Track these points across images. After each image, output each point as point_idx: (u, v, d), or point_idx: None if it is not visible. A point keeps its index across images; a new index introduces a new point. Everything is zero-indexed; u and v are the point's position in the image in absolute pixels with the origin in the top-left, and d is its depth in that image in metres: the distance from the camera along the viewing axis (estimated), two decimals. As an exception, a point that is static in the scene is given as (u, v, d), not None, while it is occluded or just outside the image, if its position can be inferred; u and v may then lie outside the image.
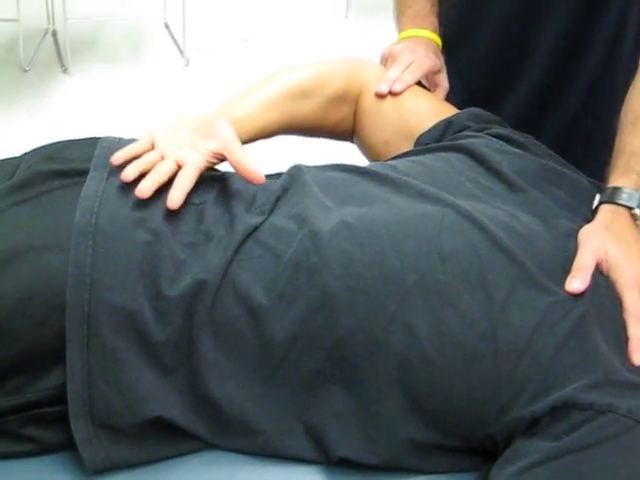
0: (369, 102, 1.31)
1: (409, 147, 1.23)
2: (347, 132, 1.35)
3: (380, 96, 1.28)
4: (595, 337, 0.88)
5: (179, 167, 1.00)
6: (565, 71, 1.38)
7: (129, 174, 0.97)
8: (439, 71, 1.40)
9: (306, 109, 1.26)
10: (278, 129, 1.25)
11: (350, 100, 1.31)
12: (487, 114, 1.25)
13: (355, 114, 1.32)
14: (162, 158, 1.01)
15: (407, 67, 1.32)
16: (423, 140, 1.23)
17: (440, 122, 1.24)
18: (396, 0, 1.49)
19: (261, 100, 1.22)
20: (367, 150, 1.35)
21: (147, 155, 1.01)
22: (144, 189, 0.95)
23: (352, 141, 1.38)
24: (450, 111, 1.27)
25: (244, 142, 1.10)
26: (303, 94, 1.25)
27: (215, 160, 1.03)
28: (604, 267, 0.96)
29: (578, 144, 1.37)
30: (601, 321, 0.90)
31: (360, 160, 1.28)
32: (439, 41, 1.44)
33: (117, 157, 1.00)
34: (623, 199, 1.02)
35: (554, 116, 1.42)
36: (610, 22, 1.32)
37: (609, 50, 1.35)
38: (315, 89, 1.27)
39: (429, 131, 1.23)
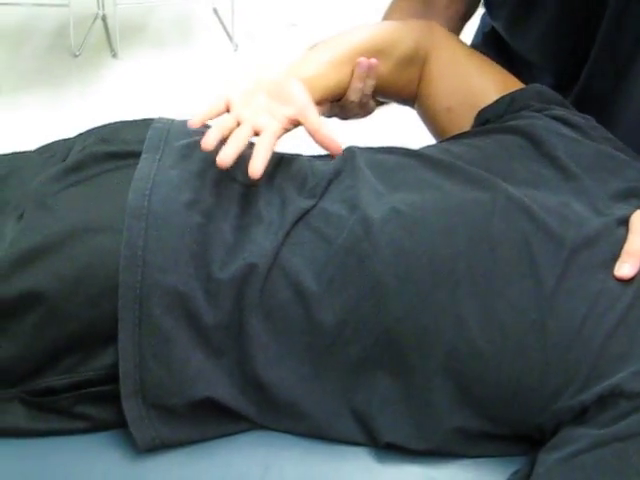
0: (436, 67, 1.29)
1: (471, 117, 1.22)
2: (411, 96, 1.33)
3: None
4: None
5: (256, 134, 0.99)
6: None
7: (210, 142, 0.96)
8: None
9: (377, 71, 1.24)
10: (348, 87, 1.23)
11: (417, 64, 1.29)
12: (550, 92, 1.22)
13: (420, 78, 1.31)
14: (238, 124, 1.00)
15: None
16: (484, 115, 1.21)
17: (503, 97, 1.22)
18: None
19: (333, 58, 1.20)
20: (428, 116, 1.33)
21: (224, 120, 1.01)
22: (225, 158, 0.94)
23: (413, 106, 1.36)
24: (515, 85, 1.25)
25: (316, 101, 1.09)
26: (375, 53, 1.22)
27: (291, 126, 1.03)
28: None
29: None
30: None
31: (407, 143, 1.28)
32: None
33: (194, 122, 1.00)
34: None
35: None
36: None
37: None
38: (386, 49, 1.25)
39: (491, 106, 1.22)
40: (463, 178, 1.01)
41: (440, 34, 1.31)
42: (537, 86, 1.23)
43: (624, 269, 0.91)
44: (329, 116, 1.28)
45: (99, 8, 4.11)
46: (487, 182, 1.00)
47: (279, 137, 1.00)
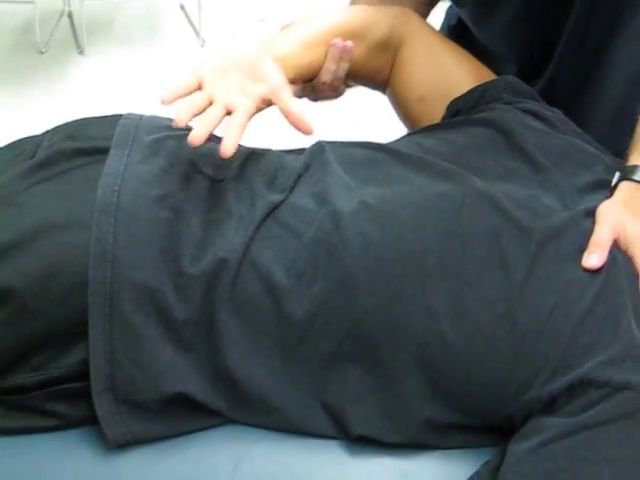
0: (410, 54, 1.29)
1: (442, 107, 1.23)
2: (384, 82, 1.33)
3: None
4: (613, 314, 0.88)
5: (228, 113, 0.99)
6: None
7: (182, 119, 0.95)
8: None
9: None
10: (321, 68, 1.23)
11: (391, 49, 1.29)
12: (521, 84, 1.23)
13: (393, 65, 1.31)
14: (210, 102, 1.00)
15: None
16: (456, 105, 1.22)
17: (475, 88, 1.22)
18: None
19: (307, 37, 1.20)
20: (400, 104, 1.33)
21: (196, 97, 1.00)
22: (197, 137, 0.94)
23: (384, 92, 1.36)
24: (488, 76, 1.26)
25: (289, 80, 1.09)
26: (349, 36, 1.22)
27: (264, 105, 1.02)
28: (622, 242, 0.96)
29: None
30: (619, 297, 0.90)
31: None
32: None
33: (166, 98, 0.99)
34: None
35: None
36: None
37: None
38: (361, 32, 1.25)
39: (463, 96, 1.22)
40: (433, 172, 1.02)
41: (415, 21, 1.32)
42: (509, 77, 1.24)
43: (592, 260, 0.92)
44: (300, 97, 1.28)
45: (65, 5, 4.09)
46: (457, 176, 1.01)
47: (252, 116, 1.00)
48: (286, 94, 1.02)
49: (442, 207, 0.96)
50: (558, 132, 1.12)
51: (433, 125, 1.21)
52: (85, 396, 0.89)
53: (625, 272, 0.93)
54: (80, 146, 1.01)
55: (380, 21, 1.28)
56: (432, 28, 1.34)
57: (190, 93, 1.01)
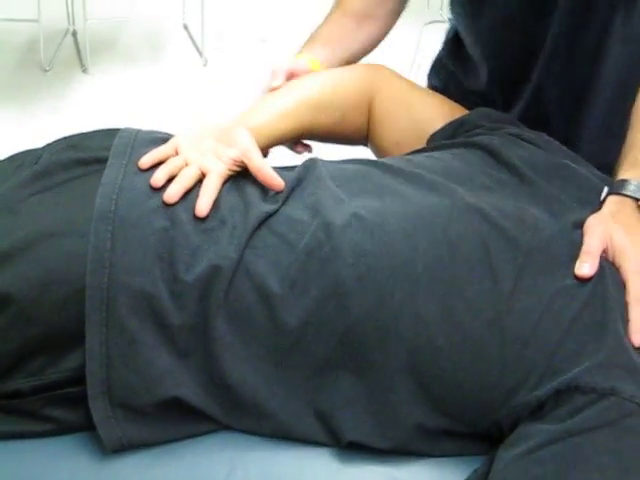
0: (380, 107, 1.33)
1: (420, 147, 1.25)
2: (363, 139, 1.38)
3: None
4: (600, 322, 0.90)
5: (203, 174, 1.02)
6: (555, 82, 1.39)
7: (158, 179, 0.99)
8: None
9: (323, 120, 1.29)
10: (296, 137, 1.28)
11: (365, 108, 1.33)
12: (498, 113, 1.27)
13: (368, 121, 1.35)
14: (186, 164, 1.03)
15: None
16: (435, 139, 1.25)
17: (451, 122, 1.26)
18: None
19: (279, 109, 1.25)
20: (379, 153, 1.37)
21: (172, 160, 1.03)
22: (172, 195, 0.97)
23: (367, 145, 1.40)
24: (461, 112, 1.30)
25: (263, 149, 1.13)
26: (320, 106, 1.28)
27: (237, 167, 1.05)
28: (609, 253, 0.97)
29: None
30: (606, 305, 0.91)
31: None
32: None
33: (144, 162, 1.02)
34: (630, 190, 1.03)
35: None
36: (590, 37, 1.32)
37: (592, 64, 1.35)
38: (332, 101, 1.30)
39: (440, 130, 1.26)
40: (422, 185, 1.04)
41: (384, 73, 1.36)
42: (484, 109, 1.28)
43: (584, 268, 0.94)
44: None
45: (69, 23, 4.11)
46: (446, 189, 1.03)
47: (224, 178, 1.03)
48: (257, 156, 1.05)
49: (432, 218, 0.98)
50: (543, 151, 1.14)
51: (420, 148, 1.23)
52: (82, 401, 0.90)
53: (612, 281, 0.94)
54: (79, 156, 1.04)
55: (350, 85, 1.32)
56: (400, 77, 1.37)
57: (167, 158, 1.04)
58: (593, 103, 1.37)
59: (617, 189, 1.05)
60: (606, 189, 1.06)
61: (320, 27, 1.49)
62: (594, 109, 1.37)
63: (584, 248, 0.96)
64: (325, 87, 1.30)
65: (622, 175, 1.07)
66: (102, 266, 0.90)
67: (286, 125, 1.24)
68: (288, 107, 1.25)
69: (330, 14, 1.51)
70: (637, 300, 0.93)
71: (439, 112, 1.31)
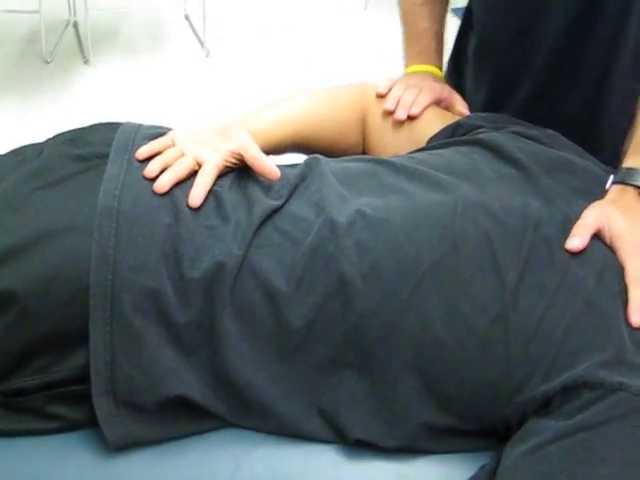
0: (373, 122, 1.36)
1: None
2: (359, 153, 1.39)
3: (397, 120, 1.34)
4: (604, 317, 0.90)
5: (199, 165, 1.02)
6: (565, 69, 1.38)
7: (152, 169, 0.99)
8: (450, 94, 1.43)
9: (320, 133, 1.30)
10: (291, 146, 1.28)
11: (360, 127, 1.36)
12: (496, 115, 1.28)
13: (364, 137, 1.37)
14: (182, 155, 1.03)
15: (419, 91, 1.37)
16: (433, 141, 1.26)
17: (448, 125, 1.27)
18: (404, 37, 1.54)
19: (276, 116, 1.26)
20: None
21: (168, 151, 1.03)
22: (162, 184, 0.97)
23: None
24: (454, 119, 1.31)
25: None
26: (318, 118, 1.30)
27: (233, 159, 1.05)
28: (607, 235, 0.97)
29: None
30: (611, 302, 0.91)
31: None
32: (441, 75, 1.50)
33: (141, 153, 1.02)
34: (633, 178, 1.04)
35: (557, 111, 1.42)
36: (609, 21, 1.30)
37: (609, 49, 1.33)
38: (329, 116, 1.32)
39: (439, 133, 1.27)
40: (426, 181, 1.04)
41: (372, 92, 1.38)
42: (481, 113, 1.30)
43: (574, 241, 0.95)
44: None
45: (70, 14, 4.11)
46: (449, 185, 1.03)
47: (220, 169, 1.03)
48: (253, 147, 1.05)
49: (435, 214, 0.98)
50: (546, 146, 1.14)
51: (420, 148, 1.24)
52: (86, 399, 0.90)
53: (617, 278, 0.94)
54: (80, 152, 1.03)
55: (346, 100, 1.35)
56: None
57: (164, 150, 1.04)
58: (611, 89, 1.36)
59: (620, 178, 1.05)
60: (611, 178, 1.07)
61: (414, 42, 1.53)
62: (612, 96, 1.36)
63: (577, 223, 0.97)
64: (323, 102, 1.32)
65: (626, 163, 1.08)
66: (106, 263, 0.90)
67: (283, 132, 1.25)
68: (286, 116, 1.27)
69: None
70: (635, 280, 0.93)
71: (432, 119, 1.33)
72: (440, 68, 1.51)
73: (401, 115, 1.32)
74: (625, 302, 0.92)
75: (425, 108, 1.34)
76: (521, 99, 1.42)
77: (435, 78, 1.46)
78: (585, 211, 0.99)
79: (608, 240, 0.98)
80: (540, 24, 1.34)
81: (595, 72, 1.34)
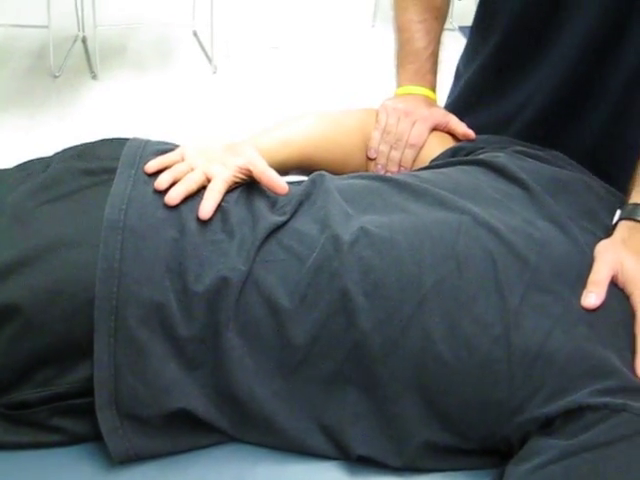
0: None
1: None
2: None
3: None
4: (607, 344, 0.90)
5: (208, 180, 1.03)
6: (586, 90, 1.35)
7: (162, 182, 1.00)
8: (445, 117, 1.39)
9: (323, 156, 1.30)
10: (296, 167, 1.28)
11: (363, 152, 1.36)
12: (497, 137, 1.29)
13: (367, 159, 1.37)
14: (192, 170, 1.03)
15: (413, 123, 1.35)
16: (435, 162, 1.26)
17: (451, 147, 1.28)
18: (398, 54, 1.49)
19: (282, 137, 1.27)
20: None
21: (178, 165, 1.04)
22: (173, 197, 0.98)
23: None
24: (453, 142, 1.32)
25: None
26: (323, 141, 1.30)
27: (242, 175, 1.06)
28: (620, 280, 0.97)
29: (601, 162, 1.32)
30: (614, 330, 0.92)
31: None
32: (436, 98, 1.46)
33: (150, 166, 1.03)
34: None
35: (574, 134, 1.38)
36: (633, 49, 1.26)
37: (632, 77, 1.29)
38: (334, 139, 1.32)
39: (440, 155, 1.28)
40: (430, 200, 1.04)
41: (375, 117, 1.38)
42: (482, 136, 1.31)
43: (590, 299, 0.93)
44: None
45: (79, 30, 4.12)
46: (453, 203, 1.03)
47: (229, 184, 1.04)
48: (261, 162, 1.07)
49: (439, 232, 0.98)
50: (551, 164, 1.14)
51: (424, 167, 1.25)
52: (90, 412, 0.90)
53: (620, 309, 0.94)
54: (87, 166, 1.04)
55: (351, 125, 1.36)
56: None
57: (174, 164, 1.05)
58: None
59: (629, 214, 1.04)
60: (618, 213, 1.06)
61: (406, 62, 1.49)
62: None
63: (592, 277, 0.96)
64: (329, 126, 1.33)
65: (634, 198, 1.07)
66: (111, 276, 0.90)
67: (289, 153, 1.25)
68: (291, 137, 1.27)
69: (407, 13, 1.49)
70: None
71: (433, 141, 1.34)
72: (434, 90, 1.46)
73: (379, 169, 1.33)
74: (629, 337, 0.92)
75: (423, 143, 1.33)
76: (525, 123, 1.40)
77: (428, 101, 1.42)
78: (597, 259, 0.98)
79: (621, 284, 0.97)
80: (560, 46, 1.32)
81: (614, 100, 1.31)
